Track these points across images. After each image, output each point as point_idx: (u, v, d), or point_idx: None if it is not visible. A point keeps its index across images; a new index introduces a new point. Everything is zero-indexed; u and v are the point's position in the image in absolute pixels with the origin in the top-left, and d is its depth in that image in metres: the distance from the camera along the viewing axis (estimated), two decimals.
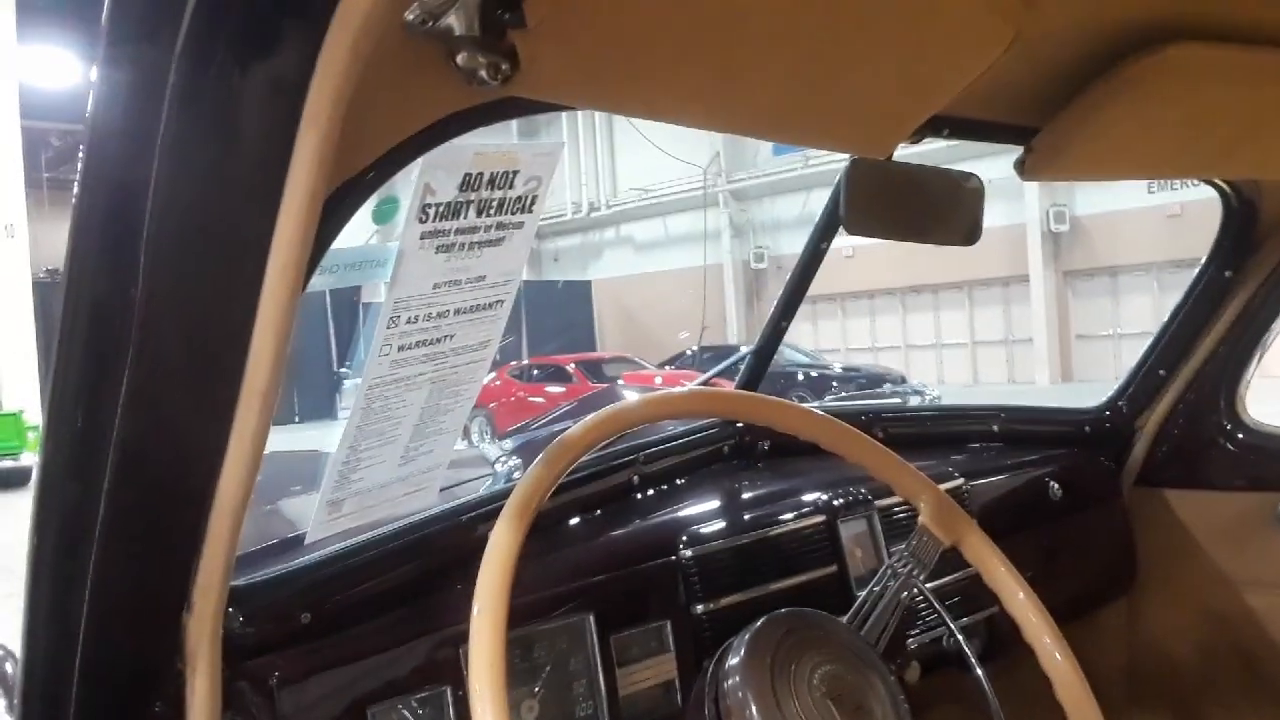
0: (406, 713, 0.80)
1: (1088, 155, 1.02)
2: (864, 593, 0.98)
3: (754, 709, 0.76)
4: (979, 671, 0.93)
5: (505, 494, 0.81)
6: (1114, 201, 13.76)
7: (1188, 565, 1.53)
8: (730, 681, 0.78)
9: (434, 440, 0.83)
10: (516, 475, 0.95)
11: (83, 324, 0.57)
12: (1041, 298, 15.03)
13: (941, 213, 1.05)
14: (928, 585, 0.99)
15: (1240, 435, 1.49)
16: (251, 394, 0.59)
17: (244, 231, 0.55)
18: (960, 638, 0.96)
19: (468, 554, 0.93)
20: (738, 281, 18.00)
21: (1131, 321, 13.76)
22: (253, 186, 0.53)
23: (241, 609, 0.75)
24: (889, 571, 0.96)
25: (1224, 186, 1.36)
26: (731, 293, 17.94)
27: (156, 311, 0.56)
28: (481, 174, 0.69)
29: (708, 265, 17.53)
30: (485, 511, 0.93)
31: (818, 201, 16.47)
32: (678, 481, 1.18)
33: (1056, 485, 1.41)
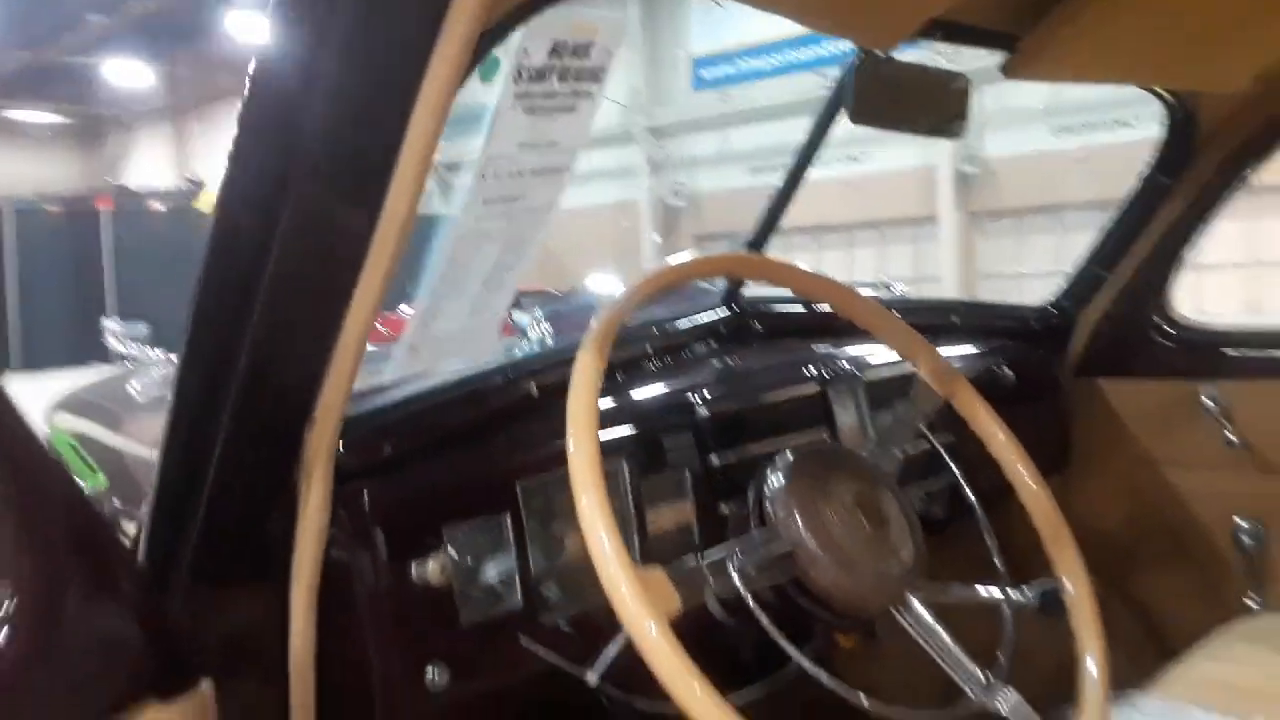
0: (474, 532, 0.90)
1: (1061, 61, 1.15)
2: (871, 440, 1.11)
3: (798, 516, 0.87)
4: (977, 508, 1.07)
5: (547, 355, 0.91)
6: (1023, 144, 14.15)
7: (1117, 447, 1.70)
8: (775, 496, 0.89)
9: (497, 295, 0.92)
10: (549, 340, 1.05)
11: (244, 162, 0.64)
12: (950, 238, 15.44)
13: (933, 108, 1.17)
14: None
15: (1169, 329, 1.65)
16: (387, 230, 0.67)
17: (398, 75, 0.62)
18: (960, 476, 1.10)
19: (517, 404, 1.02)
20: (655, 218, 18.08)
21: (1035, 261, 14.25)
22: (408, 37, 0.61)
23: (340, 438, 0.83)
24: (893, 422, 1.09)
25: (1169, 98, 1.50)
26: (649, 229, 18.02)
27: (312, 145, 0.63)
28: (567, 41, 0.77)
29: (625, 202, 17.57)
30: (532, 368, 1.03)
31: (738, 138, 16.51)
32: (684, 355, 1.28)
33: (1007, 371, 1.56)
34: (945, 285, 15.49)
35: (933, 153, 14.52)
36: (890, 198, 15.24)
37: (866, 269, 16.37)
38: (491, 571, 0.90)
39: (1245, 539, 1.60)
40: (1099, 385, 1.70)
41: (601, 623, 0.93)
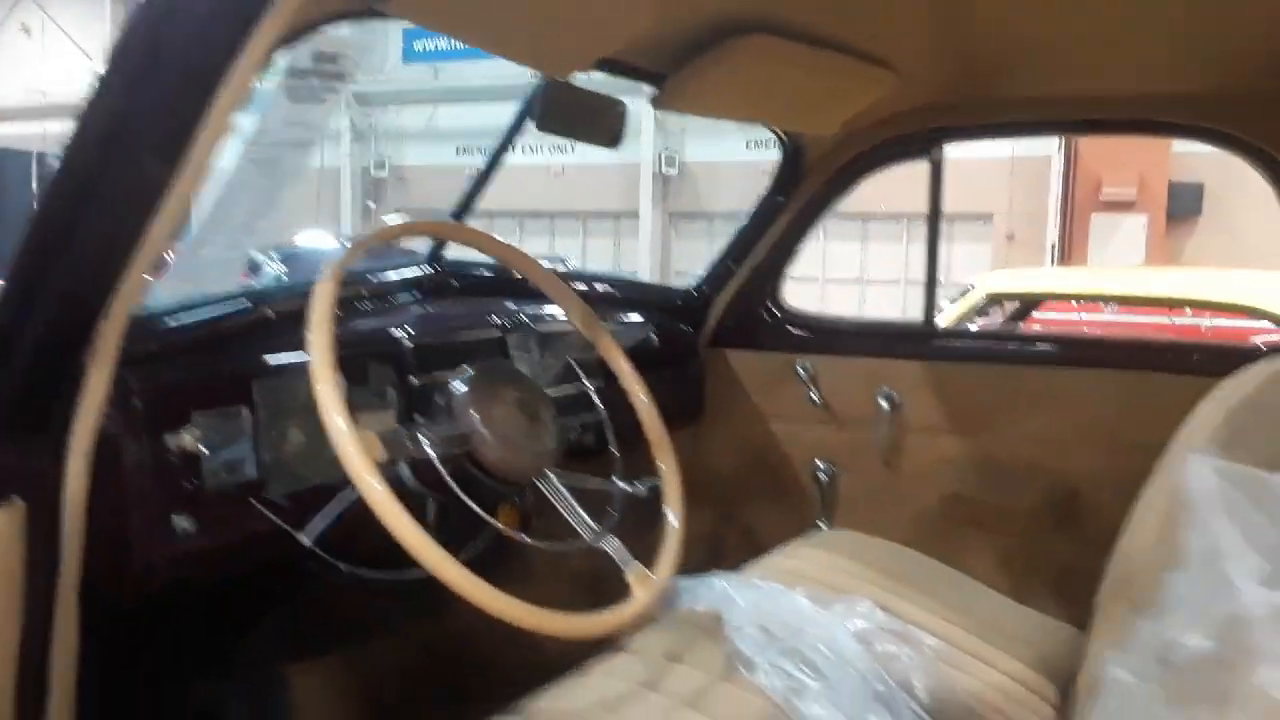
0: (218, 417, 1.14)
1: (698, 99, 1.55)
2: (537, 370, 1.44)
3: (473, 408, 1.19)
4: (608, 423, 1.43)
5: (283, 288, 1.17)
6: (717, 153, 15.23)
7: (737, 404, 2.15)
8: (457, 393, 1.20)
9: (248, 237, 1.17)
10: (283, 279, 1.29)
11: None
12: (648, 233, 16.35)
13: (600, 124, 1.53)
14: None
15: (777, 313, 2.13)
16: (187, 177, 0.91)
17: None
18: (599, 404, 1.46)
19: (258, 323, 1.27)
20: (355, 186, 17.74)
21: None
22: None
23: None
24: (552, 358, 1.43)
25: (782, 135, 1.95)
26: (348, 196, 17.66)
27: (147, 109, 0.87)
28: (325, 51, 1.04)
29: (326, 168, 17.13)
30: (271, 298, 1.28)
31: (445, 116, 16.41)
32: (391, 301, 1.57)
33: (654, 337, 1.96)
34: (642, 278, 16.43)
35: (637, 151, 15.37)
36: (595, 190, 15.86)
37: (572, 256, 17.06)
38: (230, 449, 1.14)
39: (822, 476, 2.10)
40: (726, 354, 2.15)
41: (318, 499, 1.20)
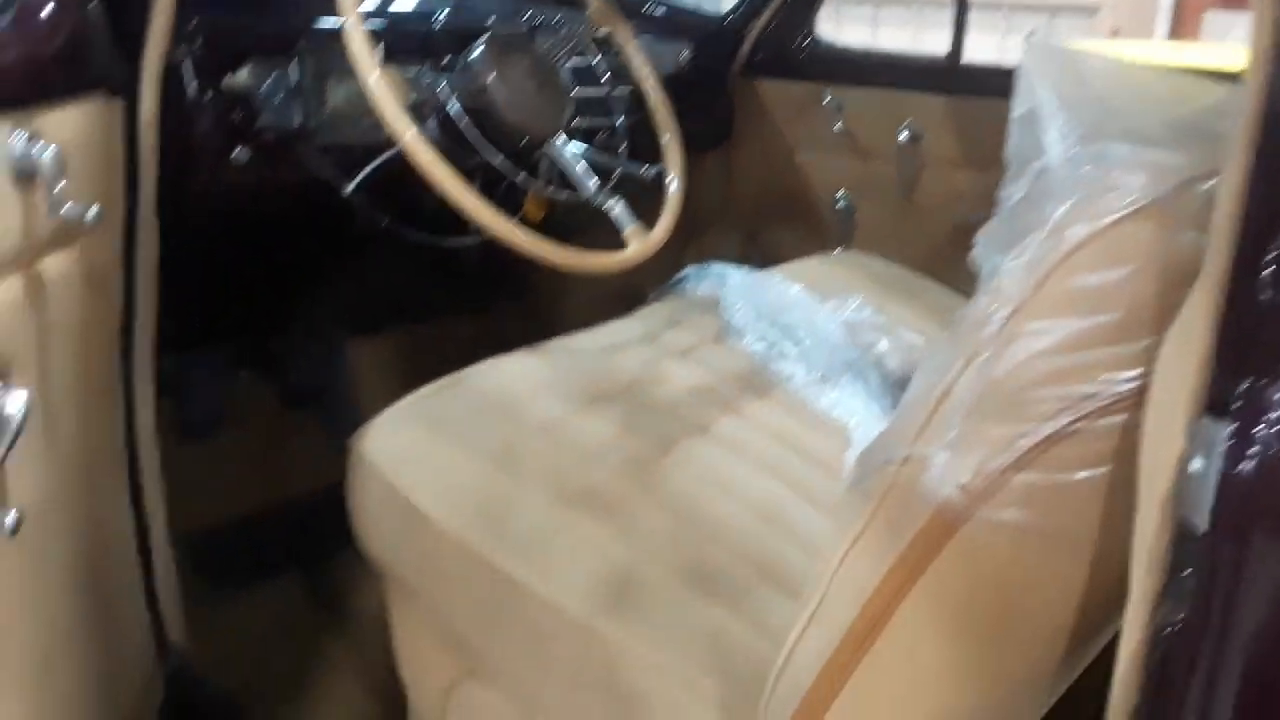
0: (270, 66, 1.29)
1: None
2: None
3: (490, 65, 1.32)
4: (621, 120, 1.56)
5: None
6: None
7: (765, 130, 2.26)
8: (476, 53, 1.33)
9: None
10: None
11: None
12: None
13: None
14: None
15: (807, 44, 2.19)
16: None
17: None
18: (611, 94, 1.58)
19: None
20: None
21: None
22: None
23: None
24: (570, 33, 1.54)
25: None
26: None
27: None
28: None
29: None
30: None
31: None
32: None
33: (688, 55, 2.05)
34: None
35: None
36: None
37: None
38: (279, 98, 1.30)
39: (841, 205, 2.22)
40: (756, 83, 2.24)
41: (359, 157, 1.37)
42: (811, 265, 1.88)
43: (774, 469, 1.23)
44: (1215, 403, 0.52)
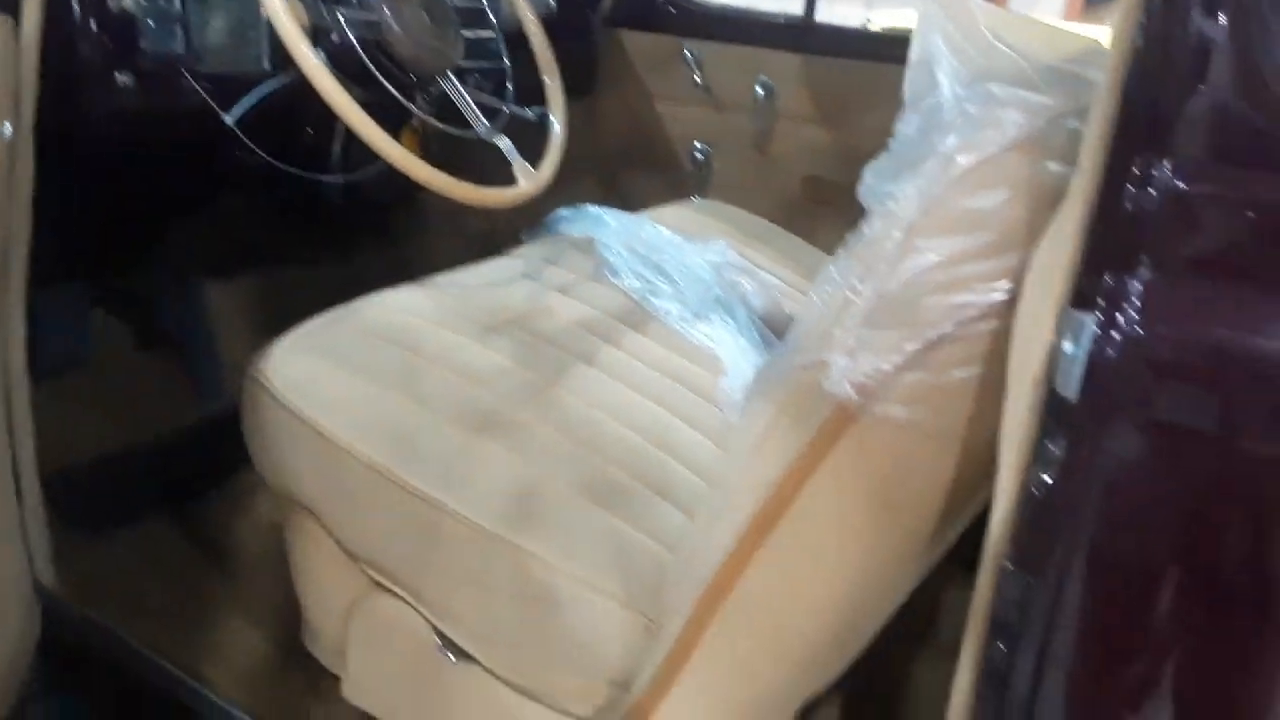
0: None
1: None
2: None
3: (385, 8, 1.33)
4: (506, 61, 1.59)
5: None
6: None
7: (627, 82, 2.32)
8: None
9: None
10: None
11: None
12: None
13: None
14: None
15: None
16: None
17: None
18: (500, 38, 1.60)
19: None
20: None
21: None
22: None
23: None
24: None
25: None
26: None
27: None
28: None
29: None
30: None
31: None
32: None
33: (553, 4, 2.08)
34: None
35: None
36: None
37: None
38: (164, 24, 1.26)
39: (698, 155, 2.31)
40: (620, 34, 2.30)
41: (242, 88, 1.35)
42: (675, 210, 1.96)
43: (657, 395, 1.31)
44: (1083, 296, 0.62)
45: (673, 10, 2.27)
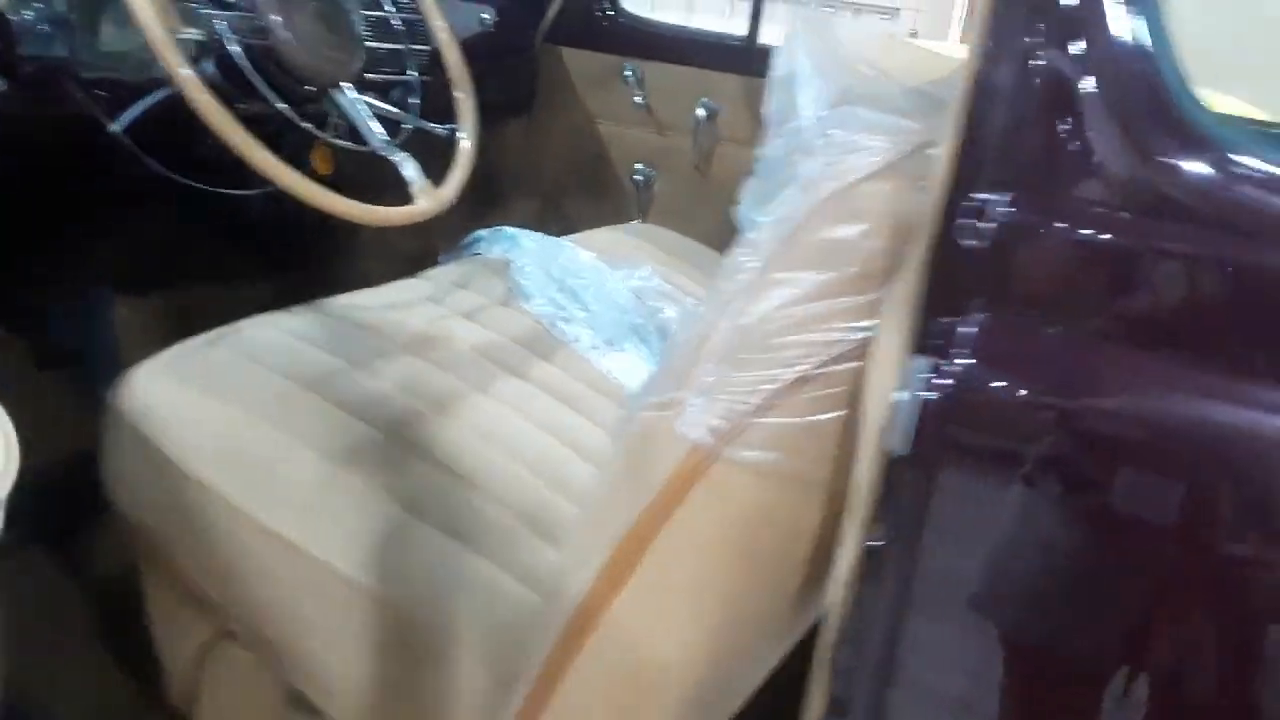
0: None
1: None
2: None
3: (271, 5, 1.25)
4: (415, 76, 1.53)
5: None
6: None
7: (568, 100, 2.26)
8: (262, 3, 1.26)
9: None
10: None
11: None
12: None
13: None
14: None
15: (613, 14, 2.21)
16: None
17: None
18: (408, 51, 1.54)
19: None
20: None
21: None
22: None
23: None
24: None
25: None
26: None
27: None
28: None
29: None
30: None
31: None
32: None
33: (488, 18, 2.03)
34: None
35: None
36: None
37: None
38: (43, 24, 1.20)
39: (639, 178, 2.25)
40: (561, 51, 2.24)
41: (129, 96, 1.28)
42: (605, 234, 1.90)
43: (549, 426, 1.24)
44: (921, 340, 0.56)
45: (614, 28, 2.22)
